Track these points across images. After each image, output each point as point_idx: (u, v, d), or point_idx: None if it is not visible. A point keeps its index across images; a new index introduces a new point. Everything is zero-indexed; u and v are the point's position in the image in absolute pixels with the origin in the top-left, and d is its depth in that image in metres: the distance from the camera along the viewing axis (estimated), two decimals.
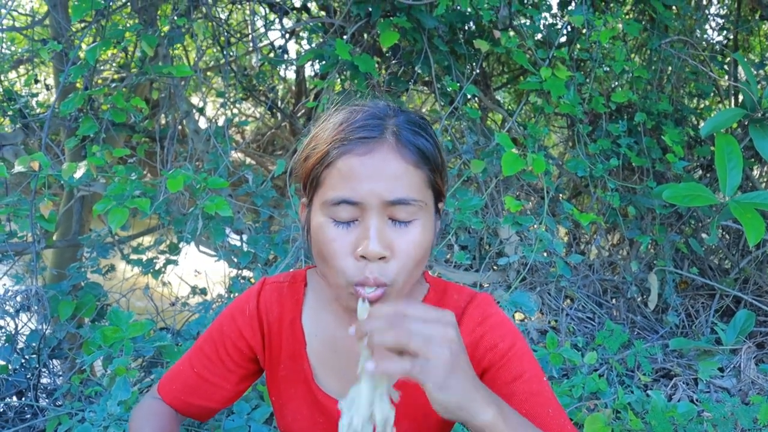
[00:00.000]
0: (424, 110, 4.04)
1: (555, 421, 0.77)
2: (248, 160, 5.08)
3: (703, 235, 3.21)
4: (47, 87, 3.72)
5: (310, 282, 0.92)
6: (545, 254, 2.56)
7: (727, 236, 3.38)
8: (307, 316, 0.89)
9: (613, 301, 3.04)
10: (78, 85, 2.87)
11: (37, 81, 3.45)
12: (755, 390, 2.28)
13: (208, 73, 4.54)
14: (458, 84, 2.63)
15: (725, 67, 3.46)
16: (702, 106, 3.58)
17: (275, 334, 0.89)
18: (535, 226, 2.37)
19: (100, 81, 3.55)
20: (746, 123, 3.04)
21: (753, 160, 3.16)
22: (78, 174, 2.01)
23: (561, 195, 3.13)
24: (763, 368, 2.37)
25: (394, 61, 2.86)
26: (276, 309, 0.89)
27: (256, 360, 0.93)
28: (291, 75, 4.88)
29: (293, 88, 4.89)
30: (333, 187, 0.73)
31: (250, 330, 0.89)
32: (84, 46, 2.58)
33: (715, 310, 2.94)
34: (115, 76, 3.65)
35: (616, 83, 3.28)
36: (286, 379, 0.89)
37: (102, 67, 3.78)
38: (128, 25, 2.78)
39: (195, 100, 4.38)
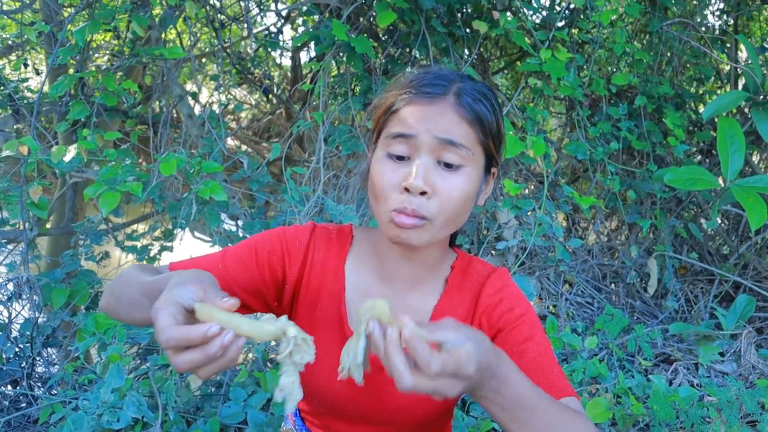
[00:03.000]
0: None
1: (559, 380, 0.85)
2: (243, 146, 5.03)
3: (702, 221, 3.19)
4: (37, 71, 3.65)
5: (356, 236, 0.99)
6: (544, 238, 2.53)
7: (726, 222, 3.37)
8: (349, 266, 0.96)
9: (612, 286, 3.02)
10: (70, 72, 2.81)
11: (26, 65, 3.38)
12: (756, 375, 2.26)
13: (203, 60, 4.48)
14: (456, 67, 2.58)
15: (726, 51, 3.42)
16: (702, 90, 3.55)
17: (316, 274, 0.95)
18: (534, 210, 2.34)
19: (93, 68, 3.49)
20: (746, 109, 3.01)
21: (753, 145, 3.13)
22: (68, 157, 1.96)
23: (560, 179, 3.10)
24: (763, 353, 2.36)
25: (390, 44, 2.81)
26: (322, 251, 0.96)
27: (278, 290, 0.95)
28: (286, 62, 4.82)
29: (288, 74, 4.82)
30: (393, 126, 0.83)
31: (294, 258, 0.94)
32: (73, 28, 2.52)
33: (714, 296, 2.93)
34: (108, 63, 3.59)
35: (616, 69, 3.24)
36: (321, 318, 0.94)
37: (95, 54, 3.72)
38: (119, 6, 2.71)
39: (190, 86, 4.31)
